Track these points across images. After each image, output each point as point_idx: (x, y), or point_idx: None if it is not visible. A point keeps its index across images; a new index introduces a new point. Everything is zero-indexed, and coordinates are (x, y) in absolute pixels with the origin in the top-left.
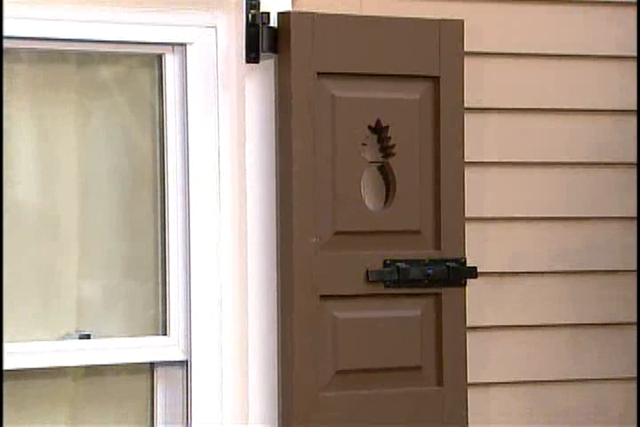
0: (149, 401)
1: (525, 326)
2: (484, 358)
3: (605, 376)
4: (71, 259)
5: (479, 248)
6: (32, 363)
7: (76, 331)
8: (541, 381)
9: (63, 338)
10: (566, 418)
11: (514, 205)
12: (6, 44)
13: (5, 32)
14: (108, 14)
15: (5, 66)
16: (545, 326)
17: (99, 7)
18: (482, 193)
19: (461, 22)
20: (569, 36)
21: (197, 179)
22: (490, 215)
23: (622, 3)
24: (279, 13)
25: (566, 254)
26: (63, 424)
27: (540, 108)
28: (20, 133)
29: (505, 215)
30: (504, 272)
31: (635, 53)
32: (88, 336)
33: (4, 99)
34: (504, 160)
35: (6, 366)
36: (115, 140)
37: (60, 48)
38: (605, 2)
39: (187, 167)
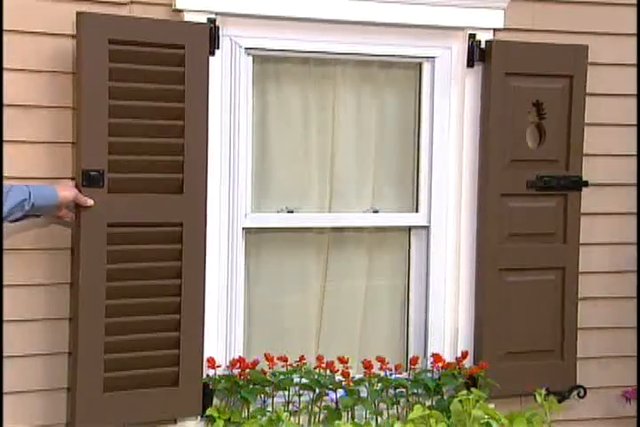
0: (407, 248)
1: (615, 213)
2: (590, 224)
3: None
4: (370, 171)
5: (589, 170)
6: (350, 223)
7: (371, 208)
8: (622, 243)
9: (364, 211)
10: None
11: (609, 147)
12: (340, 57)
13: (339, 50)
14: (393, 40)
15: (340, 69)
16: (622, 213)
17: (389, 36)
18: (593, 141)
19: (586, 46)
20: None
21: (438, 134)
22: (594, 153)
23: None
24: (486, 41)
25: (631, 172)
26: (365, 259)
27: (627, 94)
28: (345, 109)
29: (603, 153)
30: (602, 184)
31: None
32: (377, 211)
33: (341, 82)
34: (607, 122)
35: (335, 225)
36: (392, 111)
37: (367, 59)
38: None
39: (432, 127)
